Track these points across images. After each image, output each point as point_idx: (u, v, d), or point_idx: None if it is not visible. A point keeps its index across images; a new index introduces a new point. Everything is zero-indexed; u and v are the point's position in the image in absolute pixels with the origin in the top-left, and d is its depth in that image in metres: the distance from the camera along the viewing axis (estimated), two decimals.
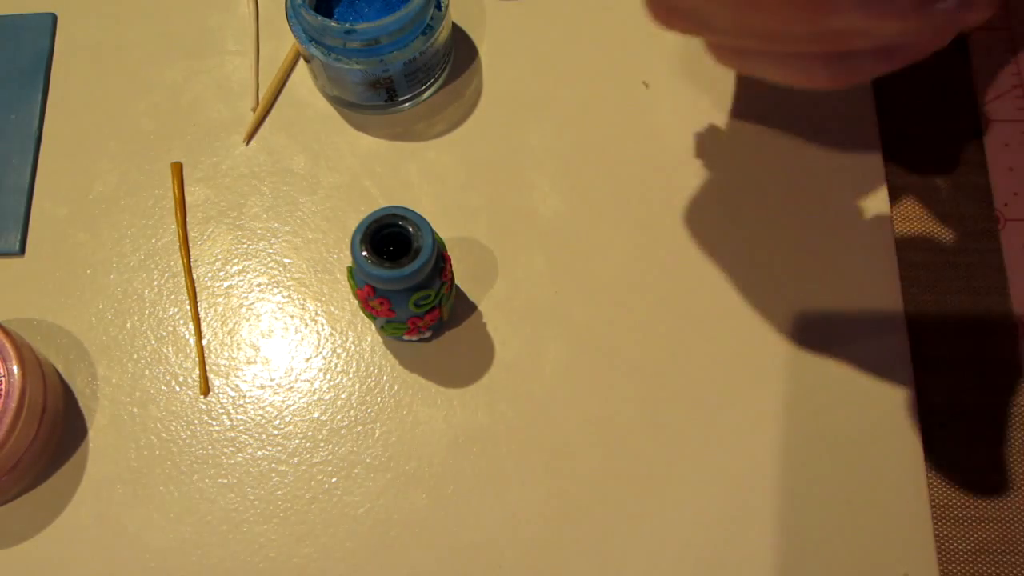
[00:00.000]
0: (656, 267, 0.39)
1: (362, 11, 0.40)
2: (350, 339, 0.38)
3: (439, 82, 0.42)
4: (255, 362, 0.38)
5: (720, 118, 0.41)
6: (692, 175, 0.40)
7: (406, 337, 0.37)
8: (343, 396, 0.38)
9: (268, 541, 0.36)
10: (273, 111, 0.43)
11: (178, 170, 0.41)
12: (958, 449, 0.36)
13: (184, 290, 0.39)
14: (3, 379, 0.34)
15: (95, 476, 0.37)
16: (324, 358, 0.38)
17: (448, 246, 0.39)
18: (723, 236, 0.39)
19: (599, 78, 0.42)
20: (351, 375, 0.38)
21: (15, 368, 0.34)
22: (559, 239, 0.40)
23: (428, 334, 0.37)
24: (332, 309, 0.39)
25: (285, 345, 0.38)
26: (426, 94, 0.42)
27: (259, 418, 0.37)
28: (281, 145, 0.42)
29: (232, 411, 0.37)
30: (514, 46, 0.43)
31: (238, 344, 0.38)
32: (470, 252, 0.39)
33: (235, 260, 0.40)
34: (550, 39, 0.43)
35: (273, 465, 0.37)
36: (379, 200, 0.41)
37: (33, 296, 0.39)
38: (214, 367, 0.38)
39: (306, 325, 0.39)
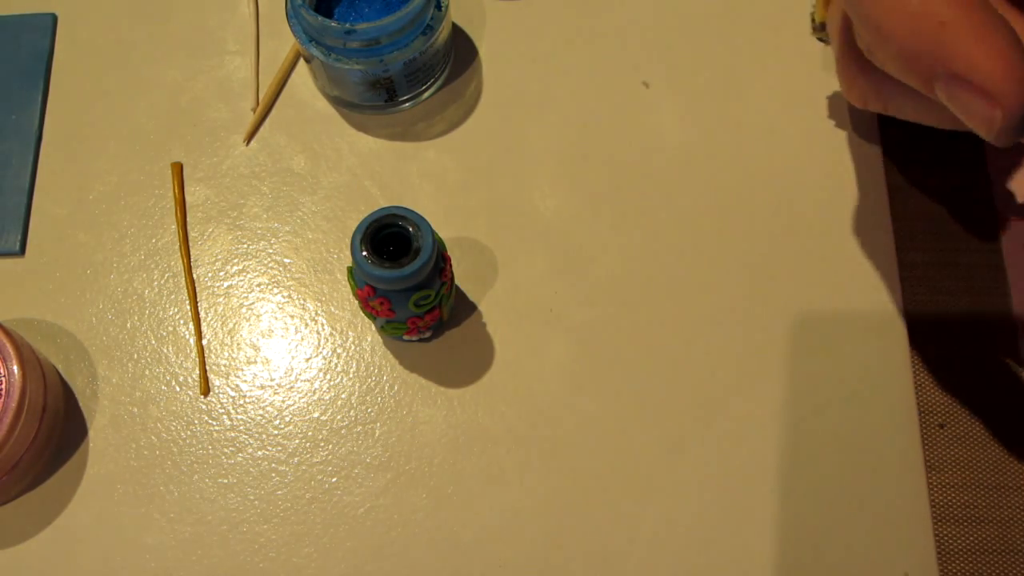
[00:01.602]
0: (656, 267, 0.39)
1: (362, 11, 0.40)
2: (350, 339, 0.38)
3: (439, 82, 0.42)
4: (255, 362, 0.38)
5: (720, 118, 0.41)
6: (692, 175, 0.40)
7: (406, 337, 0.37)
8: (343, 396, 0.38)
9: (268, 541, 0.36)
10: (273, 111, 0.43)
11: (178, 170, 0.41)
12: (958, 449, 0.36)
13: (184, 290, 0.39)
14: (3, 379, 0.34)
15: (95, 476, 0.37)
16: (324, 358, 0.38)
17: (448, 246, 0.39)
18: (723, 236, 0.39)
19: (599, 78, 0.42)
20: (351, 375, 0.38)
21: (15, 368, 0.34)
22: (559, 239, 0.40)
23: (428, 334, 0.37)
24: (332, 309, 0.39)
25: (285, 345, 0.38)
26: (426, 94, 0.42)
27: (259, 418, 0.37)
28: (281, 145, 0.42)
29: (232, 411, 0.37)
30: (514, 46, 0.43)
31: (238, 344, 0.38)
32: (470, 252, 0.39)
33: (235, 260, 0.40)
34: (550, 39, 0.43)
35: (273, 465, 0.37)
36: (379, 200, 0.41)
37: (33, 296, 0.39)
38: (214, 367, 0.38)
39: (306, 325, 0.39)
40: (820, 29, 0.40)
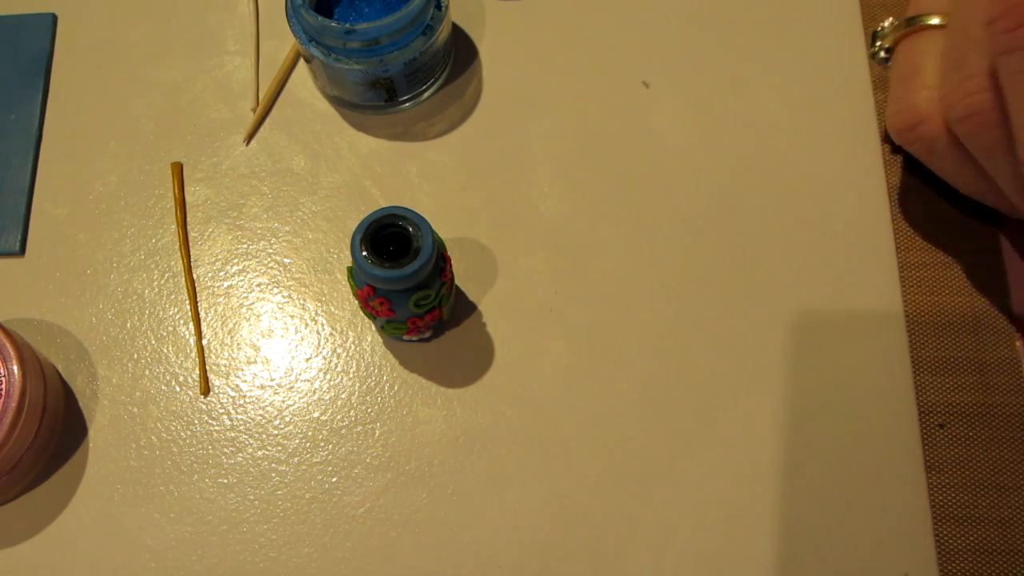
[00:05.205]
0: (656, 267, 0.39)
1: (362, 11, 0.40)
2: (350, 339, 0.38)
3: (439, 82, 0.42)
4: (255, 362, 0.38)
5: (720, 118, 0.41)
6: (692, 175, 0.40)
7: (406, 337, 0.37)
8: (343, 396, 0.38)
9: (268, 541, 0.36)
10: (273, 111, 0.43)
11: (178, 170, 0.41)
12: (958, 449, 0.36)
13: (184, 290, 0.39)
14: (3, 379, 0.34)
15: (95, 476, 0.37)
16: (324, 358, 0.38)
17: (448, 246, 0.39)
18: (723, 236, 0.39)
19: (599, 78, 0.42)
20: (351, 375, 0.38)
21: (15, 368, 0.34)
22: (559, 239, 0.40)
23: (428, 334, 0.37)
24: (332, 309, 0.39)
25: (285, 345, 0.38)
26: (426, 94, 0.42)
27: (259, 418, 0.37)
28: (281, 145, 0.42)
29: (232, 411, 0.37)
30: (514, 46, 0.43)
31: (238, 344, 0.38)
32: (470, 252, 0.39)
33: (235, 260, 0.40)
34: (550, 39, 0.43)
35: (273, 465, 0.37)
36: (379, 200, 0.41)
37: (33, 296, 0.39)
38: (214, 367, 0.38)
39: (306, 325, 0.39)
40: (884, 51, 0.38)
